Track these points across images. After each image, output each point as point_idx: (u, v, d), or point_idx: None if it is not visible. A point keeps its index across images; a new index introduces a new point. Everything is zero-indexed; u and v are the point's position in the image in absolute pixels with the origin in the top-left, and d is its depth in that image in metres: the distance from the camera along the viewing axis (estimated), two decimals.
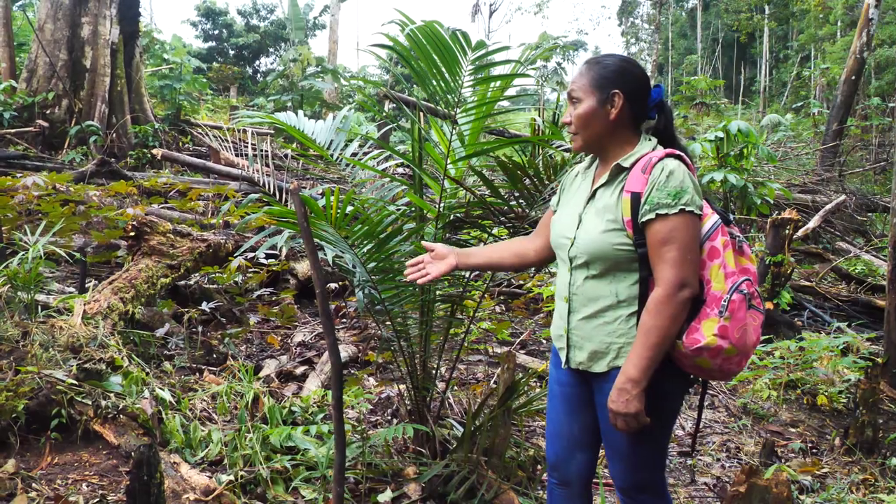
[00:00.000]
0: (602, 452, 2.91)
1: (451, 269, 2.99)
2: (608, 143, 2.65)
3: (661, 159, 2.50)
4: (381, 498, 3.87)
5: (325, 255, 3.88)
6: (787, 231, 7.54)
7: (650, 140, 2.64)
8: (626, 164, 2.57)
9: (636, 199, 2.48)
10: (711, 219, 2.53)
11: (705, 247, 2.50)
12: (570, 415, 2.86)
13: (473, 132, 4.06)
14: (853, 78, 18.29)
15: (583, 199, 2.70)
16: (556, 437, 2.92)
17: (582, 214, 2.66)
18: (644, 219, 2.46)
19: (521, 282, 8.96)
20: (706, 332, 2.42)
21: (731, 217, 2.63)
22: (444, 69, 3.60)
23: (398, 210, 4.14)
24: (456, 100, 3.76)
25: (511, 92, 4.06)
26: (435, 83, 3.69)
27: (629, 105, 2.59)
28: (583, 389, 2.80)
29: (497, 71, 3.86)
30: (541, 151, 4.19)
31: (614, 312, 2.58)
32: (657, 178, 2.46)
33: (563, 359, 2.75)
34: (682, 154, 2.55)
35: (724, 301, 2.43)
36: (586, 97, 2.60)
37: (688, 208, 2.43)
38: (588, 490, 2.94)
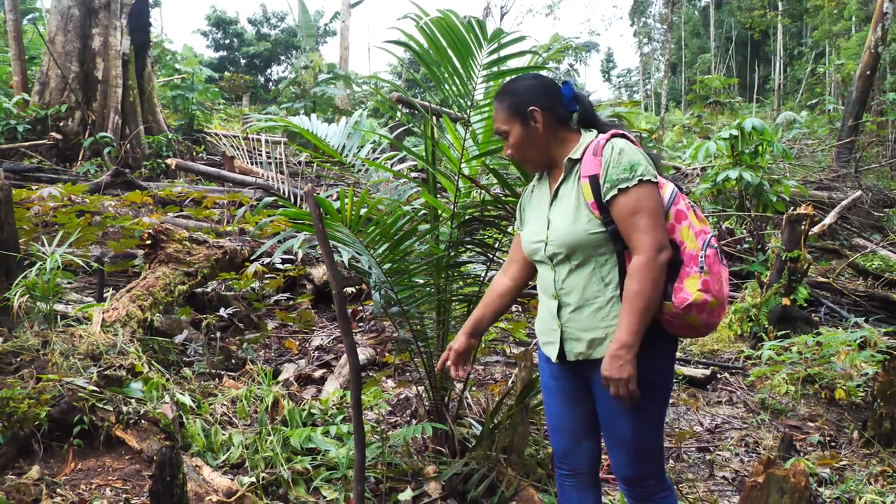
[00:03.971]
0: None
1: (473, 347, 3.14)
2: (552, 150, 2.79)
3: (608, 140, 2.65)
4: (402, 497, 3.89)
5: (341, 256, 3.90)
6: (803, 227, 7.51)
7: (591, 131, 2.78)
8: (577, 156, 2.71)
9: (594, 180, 2.61)
10: (669, 186, 2.68)
11: (671, 211, 2.64)
12: (570, 406, 2.92)
13: (487, 131, 4.07)
14: (868, 73, 18.18)
15: (545, 203, 2.82)
16: (561, 430, 2.98)
17: (549, 216, 2.78)
18: (608, 196, 2.58)
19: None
20: (690, 289, 2.56)
21: (681, 186, 2.78)
22: (458, 63, 3.63)
23: (413, 211, 4.15)
24: (469, 101, 3.78)
25: None
26: (449, 79, 3.71)
27: (550, 113, 2.74)
28: (577, 380, 2.87)
29: (512, 65, 3.87)
30: None
31: (604, 296, 2.67)
32: (609, 156, 2.60)
33: (555, 353, 2.80)
34: (625, 133, 2.70)
35: (701, 258, 2.58)
36: (511, 126, 2.76)
37: (645, 178, 2.57)
38: (597, 477, 3.01)
